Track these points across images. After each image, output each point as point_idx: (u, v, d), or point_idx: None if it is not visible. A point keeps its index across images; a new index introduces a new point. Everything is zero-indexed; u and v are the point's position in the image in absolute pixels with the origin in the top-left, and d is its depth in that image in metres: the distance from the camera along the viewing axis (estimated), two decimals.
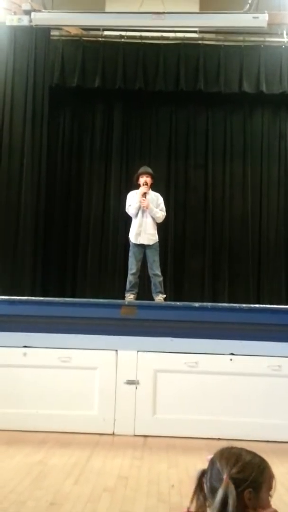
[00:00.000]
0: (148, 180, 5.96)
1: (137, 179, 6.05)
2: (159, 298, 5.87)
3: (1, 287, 6.60)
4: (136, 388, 4.75)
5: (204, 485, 1.43)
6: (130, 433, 4.68)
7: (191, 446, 4.45)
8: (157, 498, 3.27)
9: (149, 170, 6.12)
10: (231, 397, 4.73)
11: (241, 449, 1.45)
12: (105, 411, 4.72)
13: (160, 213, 5.98)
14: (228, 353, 4.80)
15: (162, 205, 6.07)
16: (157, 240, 6.00)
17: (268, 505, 1.40)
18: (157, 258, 5.95)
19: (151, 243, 5.92)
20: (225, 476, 1.34)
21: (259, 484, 1.37)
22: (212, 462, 1.43)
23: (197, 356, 4.78)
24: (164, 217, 6.07)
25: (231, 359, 4.79)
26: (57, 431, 4.62)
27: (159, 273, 5.96)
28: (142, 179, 5.94)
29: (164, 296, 5.96)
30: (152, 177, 6.06)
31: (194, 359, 4.77)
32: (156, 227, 5.99)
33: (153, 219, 5.93)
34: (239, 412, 4.71)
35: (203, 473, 1.45)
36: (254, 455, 1.43)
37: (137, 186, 6.08)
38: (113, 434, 4.69)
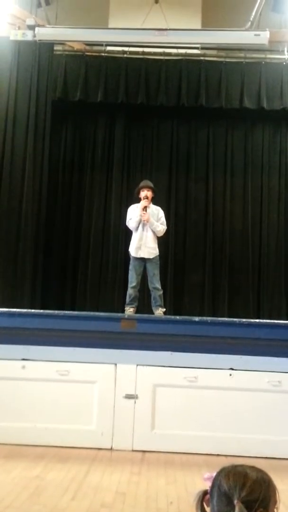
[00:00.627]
0: (149, 194, 5.97)
1: (138, 192, 6.07)
2: (159, 311, 5.86)
3: (1, 298, 6.60)
4: (135, 402, 4.71)
5: (206, 508, 1.37)
6: (129, 448, 4.64)
7: (190, 462, 4.40)
8: None
9: (150, 184, 6.15)
10: (230, 412, 4.70)
11: (244, 466, 1.40)
12: (104, 425, 4.68)
13: (161, 227, 5.99)
14: (228, 368, 4.77)
15: (163, 219, 6.07)
16: (158, 253, 6.00)
17: None
18: (157, 272, 5.95)
19: (151, 256, 5.92)
20: (236, 501, 1.29)
21: (268, 501, 1.34)
22: (216, 485, 1.36)
23: (196, 371, 4.75)
24: (164, 230, 6.07)
25: (230, 374, 4.76)
26: (55, 445, 4.57)
27: (159, 287, 5.95)
28: (143, 193, 5.96)
29: (164, 310, 5.94)
30: (153, 191, 6.08)
31: (193, 374, 4.74)
32: (156, 241, 6.00)
33: (154, 232, 5.94)
34: (239, 428, 4.67)
35: (204, 494, 1.39)
36: (258, 470, 1.39)
37: (138, 200, 6.10)
38: (111, 449, 4.64)
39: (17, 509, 3.19)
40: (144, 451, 4.62)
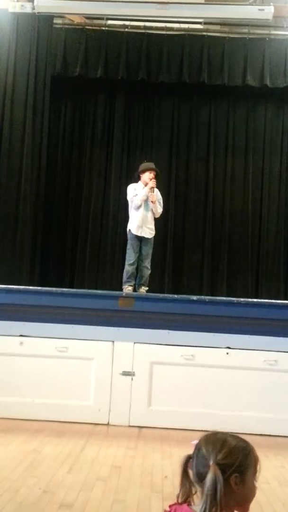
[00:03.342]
0: (153, 175, 6.04)
1: (142, 173, 6.09)
2: (142, 290, 5.97)
3: None
4: (132, 379, 4.75)
5: (189, 471, 1.43)
6: (125, 424, 4.69)
7: (186, 438, 4.44)
8: (150, 489, 3.28)
9: (154, 166, 6.20)
10: (227, 390, 4.74)
11: (226, 434, 1.44)
12: (101, 401, 4.72)
13: (160, 209, 6.15)
14: (225, 346, 4.80)
15: (161, 201, 6.20)
16: (154, 234, 6.13)
17: (253, 489, 1.40)
18: (150, 252, 6.10)
19: (150, 236, 6.05)
20: (211, 463, 1.34)
21: (245, 469, 1.37)
22: (197, 448, 1.41)
23: (193, 349, 4.78)
24: (161, 212, 6.19)
25: (227, 353, 4.79)
26: (53, 420, 4.63)
27: (149, 267, 6.08)
28: (150, 175, 6.00)
29: (147, 288, 6.04)
30: (157, 173, 6.14)
31: (190, 352, 4.77)
32: (154, 222, 6.11)
33: (153, 213, 6.03)
34: (234, 406, 4.71)
35: (188, 459, 1.44)
36: (239, 439, 1.43)
37: (138, 180, 6.13)
38: (108, 424, 4.70)
39: (13, 482, 3.24)
40: (140, 427, 4.68)
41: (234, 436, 1.44)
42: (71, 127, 7.91)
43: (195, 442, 1.45)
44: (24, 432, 4.33)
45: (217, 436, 1.42)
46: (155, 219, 6.18)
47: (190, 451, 1.46)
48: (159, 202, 6.11)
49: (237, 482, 1.35)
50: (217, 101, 7.94)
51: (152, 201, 5.94)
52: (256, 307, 5.15)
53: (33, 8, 6.44)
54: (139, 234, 5.99)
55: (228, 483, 1.34)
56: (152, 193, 5.92)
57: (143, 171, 6.08)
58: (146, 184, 5.98)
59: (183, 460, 1.45)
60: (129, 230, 6.08)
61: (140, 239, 6.02)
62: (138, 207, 5.98)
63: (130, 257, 6.02)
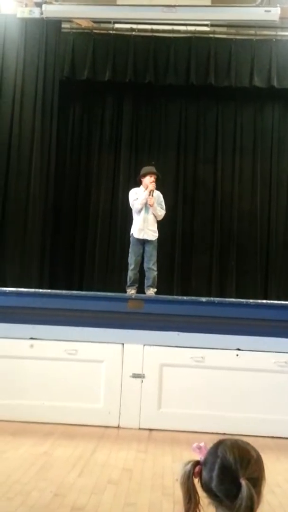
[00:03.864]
0: (154, 179, 6.11)
1: (143, 177, 6.18)
2: (150, 291, 6.00)
3: (9, 278, 6.64)
4: (142, 381, 4.75)
5: (201, 480, 1.31)
6: (135, 426, 4.69)
7: (196, 440, 4.37)
8: (162, 492, 3.28)
9: (155, 170, 6.27)
10: (237, 392, 4.73)
11: (243, 441, 1.36)
12: (111, 404, 4.73)
13: (162, 211, 6.17)
14: (235, 348, 4.79)
15: (163, 204, 6.24)
16: (157, 236, 6.16)
17: (261, 498, 1.33)
18: (155, 253, 6.13)
19: (153, 238, 6.12)
20: (242, 479, 1.25)
21: (262, 480, 1.32)
22: (219, 455, 1.28)
23: (203, 351, 4.77)
24: (163, 215, 6.21)
25: (237, 355, 4.78)
26: (63, 423, 4.65)
27: (155, 268, 6.11)
28: (150, 178, 6.08)
29: (155, 290, 6.06)
30: (158, 176, 6.20)
31: (200, 354, 4.76)
32: (156, 224, 6.16)
33: (154, 216, 6.12)
34: (245, 408, 4.70)
35: (195, 466, 1.32)
36: (253, 448, 1.36)
37: (140, 184, 6.22)
38: (118, 427, 4.70)
39: (24, 485, 3.25)
40: (150, 430, 4.68)
41: (248, 443, 1.36)
42: (79, 130, 7.93)
43: (198, 445, 1.37)
44: (34, 435, 4.35)
45: (240, 445, 1.32)
46: (162, 221, 6.25)
47: (196, 455, 1.35)
48: (161, 205, 6.18)
49: (257, 495, 1.28)
50: (224, 103, 7.92)
51: (150, 204, 6.02)
52: (266, 308, 5.14)
53: (41, 13, 6.49)
54: (141, 237, 6.07)
55: None
56: (151, 196, 6.00)
57: (144, 175, 6.19)
58: (146, 188, 6.07)
59: (190, 466, 1.33)
60: (132, 234, 6.19)
61: (143, 242, 6.10)
62: (139, 211, 6.08)
63: (131, 261, 6.13)
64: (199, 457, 1.36)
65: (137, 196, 6.09)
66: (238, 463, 1.27)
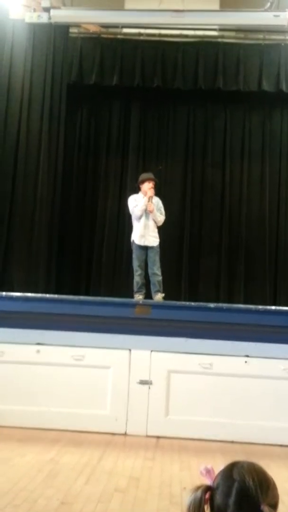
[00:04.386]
0: (152, 185, 6.14)
1: (141, 183, 6.20)
2: (158, 297, 5.98)
3: (15, 283, 6.62)
4: (149, 388, 4.70)
5: (212, 506, 1.21)
6: (143, 434, 4.64)
7: (204, 448, 4.40)
8: (169, 501, 3.23)
9: (153, 176, 6.30)
10: (245, 399, 4.67)
11: (257, 464, 1.26)
12: (118, 410, 4.68)
13: (161, 217, 6.19)
14: (243, 355, 4.73)
15: (163, 209, 6.25)
16: (159, 241, 6.16)
17: None
18: (157, 259, 6.14)
19: (155, 244, 6.12)
20: (263, 505, 1.15)
21: (278, 506, 1.22)
22: (236, 479, 1.19)
23: (211, 358, 4.72)
24: (163, 220, 6.21)
25: (246, 361, 4.72)
26: (70, 429, 4.60)
27: (159, 273, 6.11)
28: (149, 184, 6.11)
29: (163, 295, 6.04)
30: (155, 182, 6.23)
31: (208, 360, 4.71)
32: (156, 230, 6.17)
33: (155, 222, 6.13)
34: (253, 415, 4.64)
35: (206, 491, 1.21)
36: (265, 471, 1.25)
37: (138, 191, 6.23)
38: (125, 434, 4.65)
39: (31, 492, 3.21)
40: (158, 437, 4.63)
41: (261, 466, 1.26)
42: (87, 135, 7.93)
43: (206, 468, 1.26)
44: (41, 441, 4.32)
45: (257, 469, 1.23)
46: (170, 226, 6.31)
47: (210, 463, 1.27)
48: (160, 211, 6.19)
49: None
50: (232, 107, 7.90)
51: (149, 211, 6.03)
52: (274, 315, 5.09)
53: (50, 18, 6.51)
54: (142, 244, 6.08)
55: None
56: (150, 203, 6.01)
57: (142, 182, 6.20)
58: (145, 194, 6.07)
59: (199, 494, 1.21)
60: (133, 240, 6.18)
61: (145, 248, 6.10)
62: (139, 217, 6.09)
63: (136, 267, 6.12)
64: (208, 481, 1.25)
65: (136, 203, 6.11)
66: (259, 488, 1.17)
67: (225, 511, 1.18)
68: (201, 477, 1.26)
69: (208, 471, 1.26)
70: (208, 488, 1.22)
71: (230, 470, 1.22)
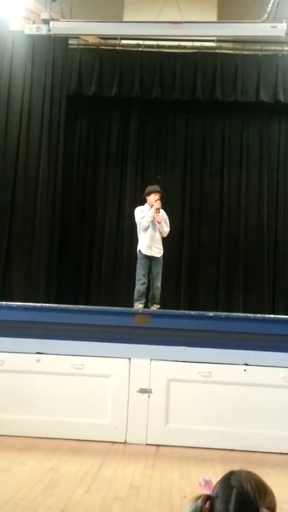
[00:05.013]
0: (158, 197, 6.22)
1: (147, 195, 6.28)
2: (154, 307, 6.08)
3: (16, 292, 6.65)
4: (149, 397, 4.71)
5: None
6: (142, 442, 4.64)
7: (204, 456, 4.40)
8: (169, 509, 3.24)
9: (159, 188, 6.37)
10: (245, 408, 4.67)
11: (256, 474, 1.29)
12: (118, 419, 4.69)
13: (167, 228, 6.30)
14: (242, 363, 4.75)
15: (168, 221, 6.34)
16: (162, 253, 6.26)
17: None
18: (160, 271, 6.24)
19: (158, 255, 6.22)
20: (261, 509, 1.19)
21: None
22: (234, 486, 1.22)
23: (210, 366, 4.73)
24: (168, 232, 6.30)
25: (245, 370, 4.73)
26: (70, 438, 4.60)
27: (160, 286, 6.21)
28: (155, 196, 6.20)
29: (159, 306, 6.13)
30: (162, 195, 6.29)
31: (207, 369, 4.72)
32: (161, 241, 6.26)
33: (160, 233, 6.22)
34: (253, 424, 4.64)
35: (206, 501, 1.23)
36: (261, 479, 1.29)
37: (144, 202, 6.30)
38: (125, 442, 4.65)
39: (31, 501, 3.22)
40: (158, 445, 4.63)
41: (256, 474, 1.29)
42: (86, 145, 8.00)
43: (205, 480, 1.29)
44: (41, 450, 4.31)
45: (254, 476, 1.26)
46: (168, 235, 6.34)
47: (210, 471, 1.34)
48: (166, 222, 6.27)
49: None
50: (230, 118, 7.98)
51: (158, 222, 6.13)
52: (274, 323, 5.10)
53: (49, 30, 6.57)
54: (148, 254, 6.16)
55: None
56: (158, 214, 6.10)
57: (149, 194, 6.28)
58: (152, 206, 6.15)
59: (200, 503, 1.24)
60: (139, 250, 6.25)
61: (150, 259, 6.17)
62: (146, 228, 6.17)
63: (140, 276, 6.18)
64: (207, 492, 1.28)
65: (143, 214, 6.19)
66: (257, 493, 1.20)
67: None
68: (202, 488, 1.30)
69: (207, 482, 1.30)
70: (208, 497, 1.25)
71: (228, 479, 1.25)
